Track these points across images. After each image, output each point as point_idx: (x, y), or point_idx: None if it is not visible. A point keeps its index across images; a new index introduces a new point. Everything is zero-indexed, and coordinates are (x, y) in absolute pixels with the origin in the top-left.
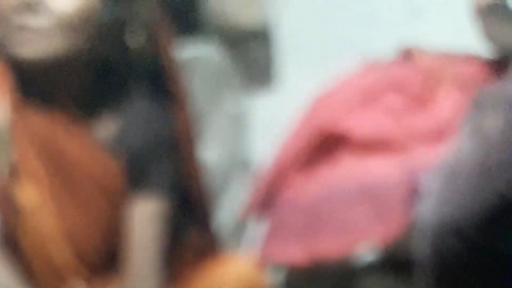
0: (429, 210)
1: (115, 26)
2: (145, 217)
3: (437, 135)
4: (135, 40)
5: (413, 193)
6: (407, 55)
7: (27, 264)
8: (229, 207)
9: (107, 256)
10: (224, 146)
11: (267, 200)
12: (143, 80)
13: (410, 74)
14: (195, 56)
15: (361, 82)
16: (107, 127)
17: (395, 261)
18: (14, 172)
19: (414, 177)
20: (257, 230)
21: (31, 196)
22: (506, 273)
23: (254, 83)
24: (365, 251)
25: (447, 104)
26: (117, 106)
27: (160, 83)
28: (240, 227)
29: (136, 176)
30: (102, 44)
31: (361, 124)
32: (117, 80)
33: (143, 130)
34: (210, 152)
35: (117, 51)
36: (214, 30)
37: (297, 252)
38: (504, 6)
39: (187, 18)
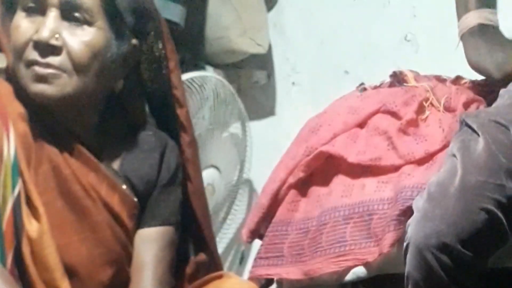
0: (413, 225)
1: (128, 61)
2: (153, 240)
3: (428, 156)
4: (148, 72)
5: (404, 211)
6: (399, 79)
7: None
8: (232, 225)
9: (113, 285)
10: (227, 165)
11: (264, 219)
12: (152, 110)
13: (402, 98)
14: (201, 81)
15: (354, 106)
16: (115, 156)
17: (385, 275)
18: (19, 202)
19: (405, 196)
20: (256, 249)
21: (36, 226)
22: (492, 286)
23: (255, 106)
24: (358, 268)
25: (438, 126)
26: (125, 135)
27: (168, 112)
28: (242, 245)
29: (145, 206)
30: (119, 80)
31: (355, 147)
32: (126, 110)
33: (151, 162)
34: (215, 171)
35: (129, 83)
36: (215, 55)
37: (291, 270)
38: (493, 28)
39: (190, 45)
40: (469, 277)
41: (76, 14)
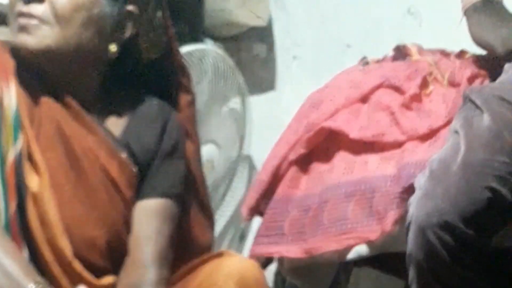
0: (415, 204)
1: (123, 26)
2: (153, 212)
3: (431, 132)
4: (147, 44)
5: (407, 189)
6: (402, 53)
7: (35, 248)
8: (232, 202)
9: (108, 252)
10: (227, 141)
11: (264, 196)
12: (153, 81)
13: (405, 72)
14: (200, 55)
15: (357, 80)
16: (117, 124)
17: (388, 253)
18: (22, 156)
19: (408, 173)
20: (256, 226)
21: (37, 181)
22: (495, 265)
23: (255, 81)
24: (360, 247)
25: (441, 101)
26: (128, 104)
27: (169, 84)
28: (241, 223)
29: (145, 176)
30: (111, 43)
31: (357, 122)
32: (129, 79)
33: (153, 131)
34: (214, 147)
35: (130, 52)
36: (215, 28)
37: (292, 248)
38: (497, 3)
39: (189, 17)
40: (471, 256)
41: None
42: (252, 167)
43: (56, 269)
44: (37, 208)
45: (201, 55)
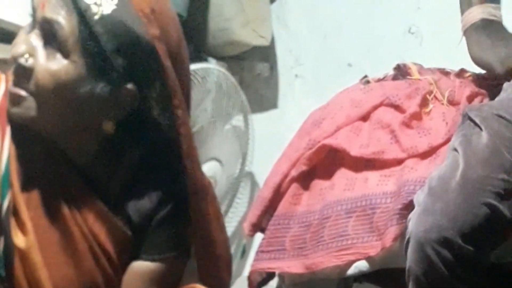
0: (414, 220)
1: (122, 104)
2: (140, 275)
3: (431, 149)
4: (157, 111)
5: (407, 205)
6: (403, 72)
7: None
8: (234, 218)
9: None
10: (229, 158)
11: (266, 212)
12: (154, 148)
13: (406, 91)
14: (203, 73)
15: (358, 99)
16: (117, 189)
17: (388, 269)
18: (8, 213)
19: (408, 190)
20: (258, 243)
21: (23, 239)
22: (494, 281)
23: (257, 99)
24: (360, 262)
25: (441, 119)
26: (129, 166)
27: (172, 148)
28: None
29: (142, 241)
30: (106, 120)
31: (358, 140)
32: (129, 147)
33: (151, 194)
34: (217, 164)
35: (132, 119)
36: (218, 47)
37: (293, 264)
38: (496, 23)
39: (193, 36)
40: (470, 272)
41: (53, 40)
42: (254, 184)
43: None
44: (24, 267)
45: (204, 74)
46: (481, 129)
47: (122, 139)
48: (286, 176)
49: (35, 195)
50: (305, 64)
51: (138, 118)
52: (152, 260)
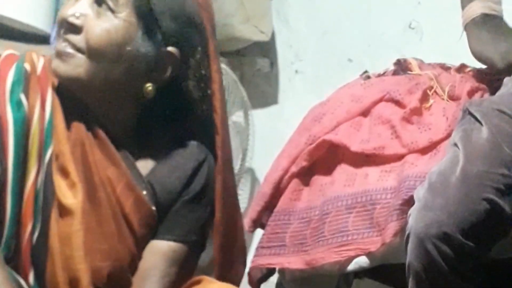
0: (414, 215)
1: (161, 66)
2: (162, 254)
3: (432, 145)
4: (197, 91)
5: (407, 201)
6: (403, 67)
7: (43, 272)
8: None
9: (109, 286)
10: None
11: (266, 208)
12: (191, 124)
13: (406, 86)
14: None
15: (358, 94)
16: (147, 163)
17: (388, 264)
18: (51, 167)
19: (409, 186)
20: (258, 239)
21: (69, 193)
22: (494, 276)
23: (258, 94)
24: (360, 258)
25: (441, 114)
26: (164, 144)
27: (206, 127)
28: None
29: (163, 218)
30: (147, 82)
31: (358, 135)
32: (169, 119)
33: (180, 174)
34: None
35: (171, 93)
36: (218, 42)
37: (293, 260)
38: (497, 17)
39: None
40: (470, 267)
41: (107, 1)
42: (254, 180)
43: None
44: (64, 224)
45: None
46: (481, 124)
47: (158, 113)
48: (286, 172)
49: (74, 159)
50: (305, 59)
51: (175, 90)
52: (174, 240)
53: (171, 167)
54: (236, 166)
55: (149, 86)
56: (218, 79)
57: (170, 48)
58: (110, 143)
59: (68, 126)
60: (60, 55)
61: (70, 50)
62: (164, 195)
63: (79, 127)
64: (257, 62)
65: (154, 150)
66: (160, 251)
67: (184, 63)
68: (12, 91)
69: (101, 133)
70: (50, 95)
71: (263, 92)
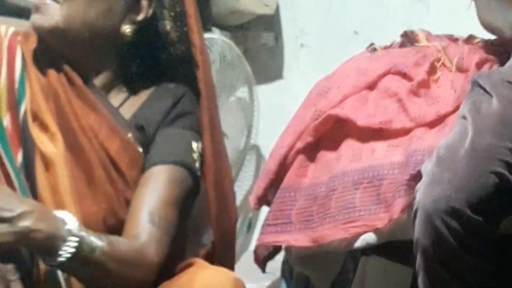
0: (422, 190)
1: (135, 6)
2: (153, 177)
3: (439, 118)
4: (165, 28)
5: (415, 176)
6: (410, 39)
7: None
8: (240, 192)
9: (105, 230)
10: (234, 131)
11: (272, 185)
12: (171, 68)
13: (413, 58)
14: (207, 44)
15: (364, 67)
16: (131, 106)
17: (395, 241)
18: (29, 121)
19: (416, 160)
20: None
21: (52, 147)
22: (503, 252)
23: (262, 69)
24: (368, 235)
25: (449, 87)
26: (145, 88)
27: (189, 68)
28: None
29: (152, 146)
30: (124, 24)
31: (364, 110)
32: (148, 65)
33: (162, 107)
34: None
35: (148, 36)
36: (222, 16)
37: (299, 237)
38: None
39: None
40: (478, 242)
41: None
42: (259, 157)
43: None
44: (49, 174)
45: (208, 44)
46: (491, 96)
47: (137, 56)
48: (291, 148)
49: (53, 103)
50: (310, 33)
51: (152, 31)
52: (155, 164)
53: (153, 104)
54: (241, 143)
55: (127, 28)
56: (193, 13)
57: None
58: (88, 91)
59: (45, 80)
60: (37, 8)
61: (46, 0)
62: (150, 128)
63: (54, 79)
64: (261, 36)
65: (136, 94)
66: (149, 176)
67: (158, 3)
68: None
69: (79, 81)
70: (19, 56)
71: (268, 67)
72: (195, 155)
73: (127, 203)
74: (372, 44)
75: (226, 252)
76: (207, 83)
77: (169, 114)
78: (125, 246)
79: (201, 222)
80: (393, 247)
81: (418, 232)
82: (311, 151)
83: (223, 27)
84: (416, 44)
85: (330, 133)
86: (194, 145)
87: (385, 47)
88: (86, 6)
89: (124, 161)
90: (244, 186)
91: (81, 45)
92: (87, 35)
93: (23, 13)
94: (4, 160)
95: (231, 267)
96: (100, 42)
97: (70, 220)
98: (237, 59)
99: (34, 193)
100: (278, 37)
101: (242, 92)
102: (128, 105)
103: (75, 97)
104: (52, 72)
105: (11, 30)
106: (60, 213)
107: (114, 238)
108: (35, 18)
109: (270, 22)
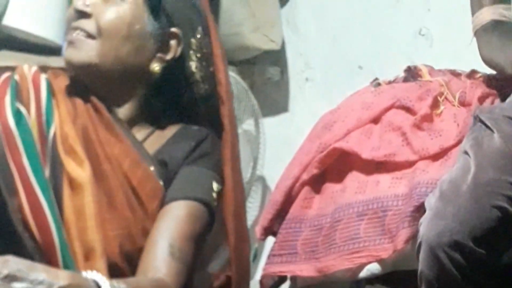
0: (426, 224)
1: (166, 45)
2: (172, 212)
3: (443, 151)
4: (199, 72)
5: (418, 208)
6: (413, 74)
7: None
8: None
9: (121, 256)
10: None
11: (278, 216)
12: (192, 102)
13: (416, 93)
14: None
15: (368, 101)
16: (155, 142)
17: (399, 271)
18: (58, 147)
19: (420, 192)
20: (269, 246)
21: (81, 172)
22: (507, 282)
23: (268, 103)
24: (372, 265)
25: (452, 121)
26: (170, 126)
27: (211, 106)
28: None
29: (174, 182)
30: (153, 62)
31: (369, 143)
32: (174, 102)
33: (185, 147)
34: None
35: (175, 75)
36: (229, 51)
37: (304, 267)
38: (507, 24)
39: None
40: (482, 274)
41: None
42: (265, 188)
43: (81, 265)
44: (76, 198)
45: None
46: (492, 131)
47: (164, 93)
48: (297, 179)
49: (80, 131)
50: (315, 67)
51: (179, 71)
52: (176, 199)
53: (177, 144)
54: (247, 174)
55: (156, 66)
56: (220, 54)
57: (173, 29)
58: (114, 123)
59: (74, 110)
60: (72, 43)
61: (81, 37)
62: (172, 165)
63: (81, 107)
64: (267, 71)
65: (161, 130)
66: (169, 211)
67: (186, 44)
68: (11, 104)
69: (105, 112)
70: (44, 85)
71: (274, 100)
72: (215, 195)
73: (145, 232)
74: (376, 79)
75: (242, 282)
76: (231, 119)
77: (193, 153)
78: (148, 284)
79: (208, 252)
80: (397, 277)
81: (422, 264)
82: (316, 183)
83: (230, 62)
84: (419, 79)
85: (335, 165)
86: (215, 185)
87: (389, 82)
88: (120, 43)
89: (145, 191)
90: (250, 217)
91: (112, 79)
92: (119, 71)
93: (32, 48)
94: (31, 176)
95: None
96: (129, 77)
97: (102, 283)
98: (243, 92)
99: (61, 217)
100: (283, 71)
101: (248, 124)
102: (152, 140)
103: (102, 127)
104: (79, 101)
105: (34, 68)
106: (92, 275)
107: (135, 282)
108: (70, 52)
109: (276, 57)
